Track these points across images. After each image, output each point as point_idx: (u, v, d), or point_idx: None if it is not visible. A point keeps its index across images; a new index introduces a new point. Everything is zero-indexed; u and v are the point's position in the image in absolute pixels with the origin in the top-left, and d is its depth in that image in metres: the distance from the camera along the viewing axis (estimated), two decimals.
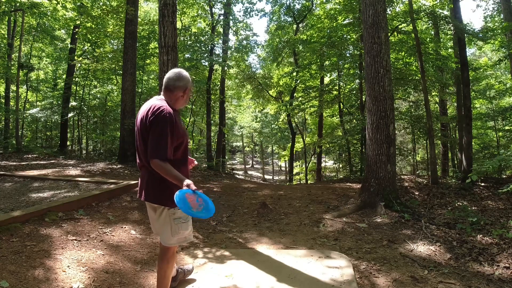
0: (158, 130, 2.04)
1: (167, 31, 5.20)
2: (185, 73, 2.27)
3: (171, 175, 2.06)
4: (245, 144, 36.58)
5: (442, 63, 10.38)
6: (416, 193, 6.69)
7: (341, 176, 13.58)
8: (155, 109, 2.09)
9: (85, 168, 8.03)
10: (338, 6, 11.68)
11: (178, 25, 13.39)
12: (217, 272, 2.92)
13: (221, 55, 14.62)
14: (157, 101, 2.17)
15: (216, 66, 14.99)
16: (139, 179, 2.35)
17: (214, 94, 15.40)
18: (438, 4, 10.34)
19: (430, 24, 10.52)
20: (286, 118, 16.97)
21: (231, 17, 15.19)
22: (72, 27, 13.82)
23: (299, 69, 13.04)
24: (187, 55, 13.38)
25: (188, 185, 1.97)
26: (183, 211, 1.93)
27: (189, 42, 13.38)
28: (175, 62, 5.27)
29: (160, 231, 2.30)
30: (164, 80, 2.26)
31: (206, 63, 14.17)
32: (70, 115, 14.24)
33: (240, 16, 26.10)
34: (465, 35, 8.34)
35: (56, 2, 9.98)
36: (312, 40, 11.95)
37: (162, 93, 2.28)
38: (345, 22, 11.13)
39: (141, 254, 3.31)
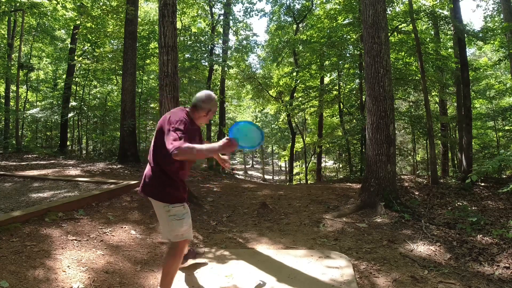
0: (174, 124, 2.16)
1: (167, 31, 5.19)
2: (213, 96, 2.47)
3: (205, 150, 2.12)
4: None
5: (442, 63, 10.37)
6: (416, 193, 6.69)
7: (341, 176, 13.58)
8: (175, 110, 2.36)
9: (85, 168, 8.03)
10: (338, 6, 11.68)
11: (178, 25, 13.40)
12: (217, 272, 2.92)
13: (221, 55, 14.63)
14: (181, 110, 2.38)
15: (216, 66, 15.00)
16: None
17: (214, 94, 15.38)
18: (438, 4, 10.32)
19: (430, 24, 10.51)
20: (286, 118, 16.97)
21: (231, 17, 15.20)
22: (72, 27, 13.81)
23: (299, 69, 13.04)
24: (187, 55, 13.38)
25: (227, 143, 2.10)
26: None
27: (189, 42, 13.38)
28: (175, 62, 5.26)
29: (163, 227, 2.42)
30: (194, 97, 2.47)
31: (206, 63, 14.17)
32: (70, 115, 14.23)
33: (240, 16, 26.10)
34: (465, 35, 8.33)
35: (56, 2, 9.97)
36: (312, 40, 11.94)
37: (189, 107, 2.49)
38: (345, 22, 11.12)
39: (141, 254, 3.31)
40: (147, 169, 2.38)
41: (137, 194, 2.47)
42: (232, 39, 23.75)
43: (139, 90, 13.29)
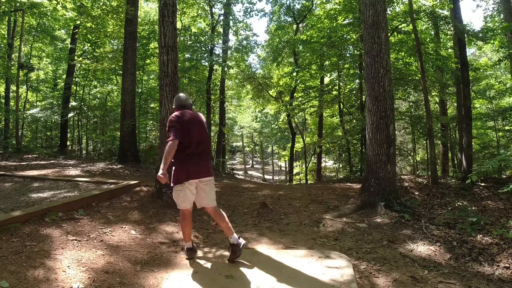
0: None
1: (167, 31, 5.19)
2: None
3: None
4: (245, 144, 36.59)
5: (442, 63, 10.36)
6: (416, 193, 6.68)
7: (341, 176, 13.58)
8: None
9: (85, 168, 8.03)
10: (338, 6, 11.67)
11: (178, 25, 13.39)
12: (217, 272, 2.92)
13: (221, 55, 14.63)
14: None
15: (216, 66, 14.99)
16: (196, 165, 3.02)
17: (214, 94, 15.39)
18: (438, 4, 10.32)
19: (430, 24, 10.50)
20: (286, 118, 16.97)
21: (231, 17, 15.20)
22: (72, 27, 13.82)
23: (299, 69, 13.03)
24: (187, 55, 13.37)
25: None
26: None
27: (189, 42, 13.36)
28: (175, 62, 5.25)
29: (211, 197, 3.18)
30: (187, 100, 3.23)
31: (206, 63, 14.16)
32: (70, 115, 14.23)
33: (240, 16, 26.07)
34: (465, 35, 8.33)
35: (56, 2, 9.97)
36: (312, 40, 11.93)
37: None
38: (345, 22, 11.11)
39: (141, 254, 3.31)
40: (204, 158, 3.08)
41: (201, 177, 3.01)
42: (232, 39, 23.77)
43: (139, 90, 13.30)
